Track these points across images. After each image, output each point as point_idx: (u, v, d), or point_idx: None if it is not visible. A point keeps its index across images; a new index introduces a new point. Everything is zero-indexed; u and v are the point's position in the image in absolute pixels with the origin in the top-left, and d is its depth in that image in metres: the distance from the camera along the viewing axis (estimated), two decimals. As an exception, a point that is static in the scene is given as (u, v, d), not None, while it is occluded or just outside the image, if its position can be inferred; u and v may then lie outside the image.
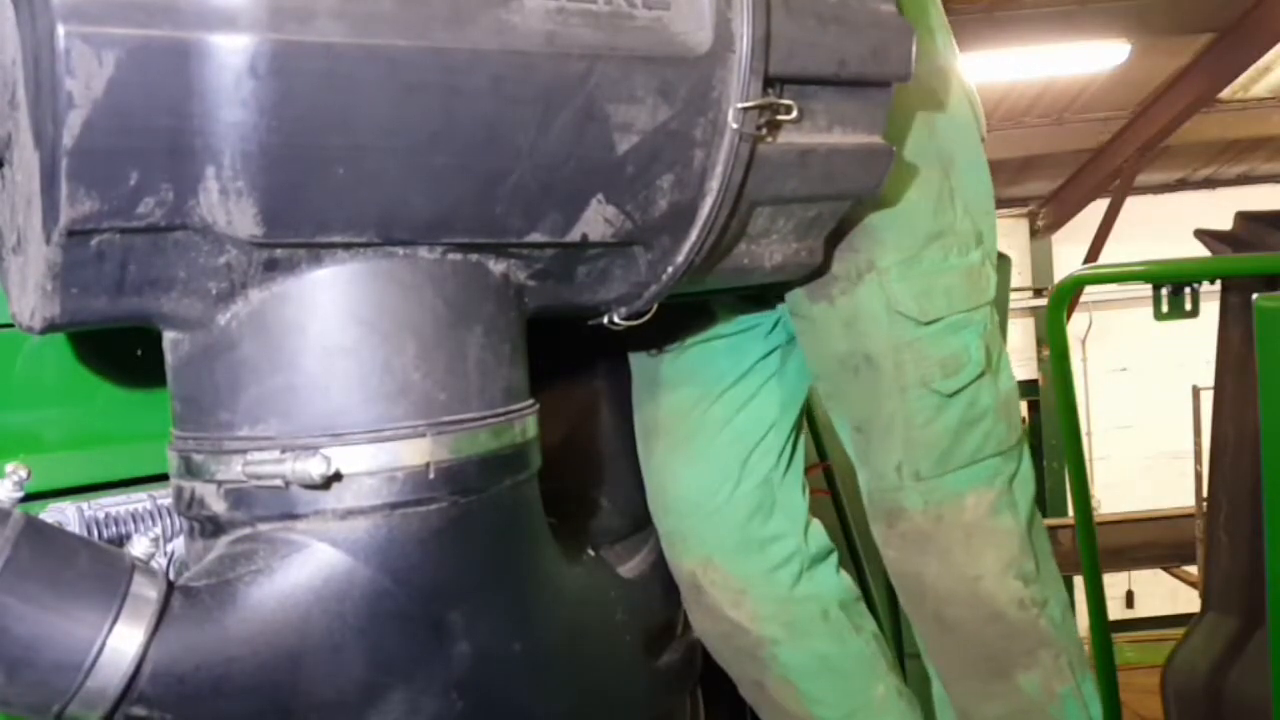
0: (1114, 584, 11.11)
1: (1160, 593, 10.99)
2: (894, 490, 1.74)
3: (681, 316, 1.78)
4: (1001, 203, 12.57)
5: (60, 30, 0.96)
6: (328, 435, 1.17)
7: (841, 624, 1.90)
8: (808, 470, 1.98)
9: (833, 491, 2.73)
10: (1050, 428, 11.69)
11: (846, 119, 1.46)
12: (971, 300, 1.73)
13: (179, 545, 1.37)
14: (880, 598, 2.54)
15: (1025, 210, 12.71)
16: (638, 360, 1.90)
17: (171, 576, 1.18)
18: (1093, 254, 10.75)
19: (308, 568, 1.18)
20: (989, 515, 1.74)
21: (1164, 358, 11.39)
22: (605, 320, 1.47)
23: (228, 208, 1.07)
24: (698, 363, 1.86)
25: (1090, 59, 8.60)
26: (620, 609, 1.70)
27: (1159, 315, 3.62)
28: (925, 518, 1.73)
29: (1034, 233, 12.73)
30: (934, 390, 1.70)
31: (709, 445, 1.85)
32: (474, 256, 1.25)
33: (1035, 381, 11.98)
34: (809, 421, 2.49)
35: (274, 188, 1.08)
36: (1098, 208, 11.14)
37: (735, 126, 1.31)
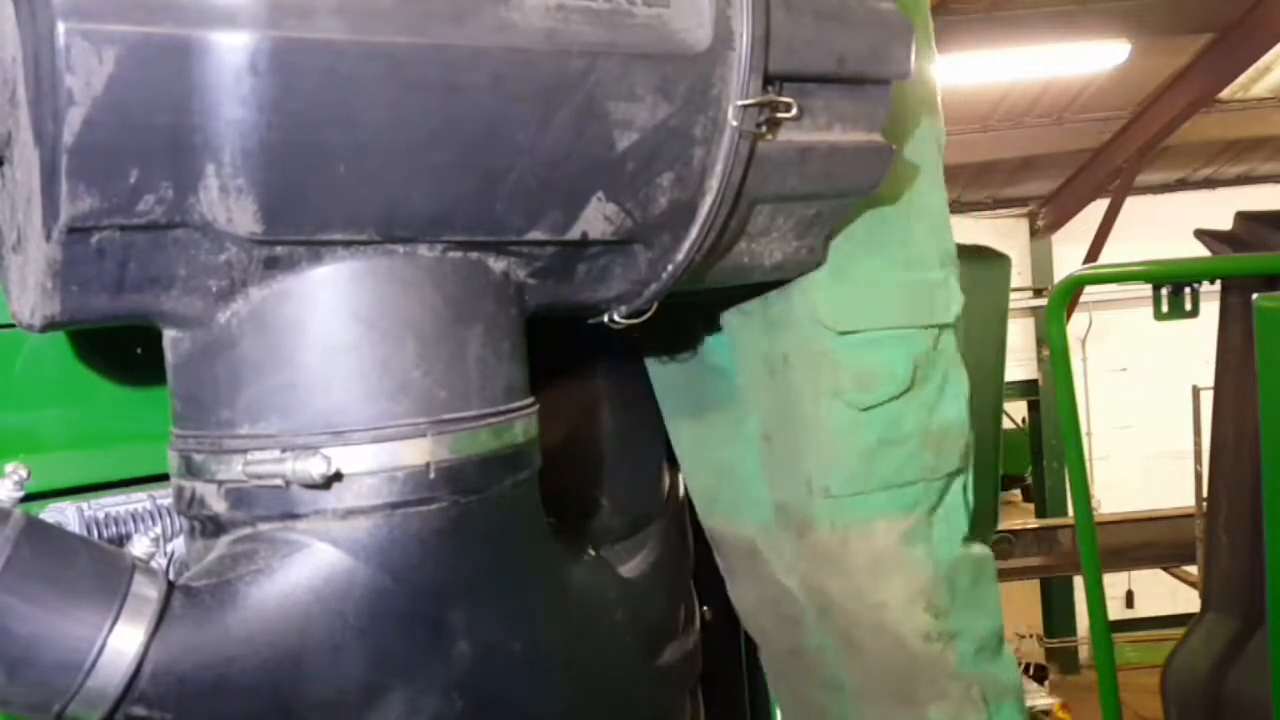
0: (1114, 584, 11.12)
1: (1160, 593, 11.01)
2: (803, 504, 1.71)
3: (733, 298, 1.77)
4: (1001, 203, 12.72)
5: (60, 27, 0.96)
6: (328, 433, 1.17)
7: None
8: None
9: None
10: (1050, 428, 11.71)
11: (846, 117, 1.46)
12: (908, 318, 1.69)
13: (179, 545, 1.37)
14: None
15: (1025, 210, 12.73)
16: (681, 342, 1.88)
17: (172, 576, 1.18)
18: (1093, 254, 10.77)
19: (308, 567, 1.18)
20: (900, 543, 1.70)
21: (1164, 358, 11.39)
22: (605, 319, 1.47)
23: (228, 205, 1.07)
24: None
25: (1090, 59, 8.61)
26: (620, 609, 1.69)
27: (1159, 315, 3.63)
28: (832, 537, 1.70)
29: (1034, 233, 12.75)
30: (846, 402, 1.66)
31: None
32: (474, 254, 1.25)
33: (1035, 381, 12.00)
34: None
35: (274, 185, 1.08)
36: (1098, 208, 11.15)
37: (735, 124, 1.31)
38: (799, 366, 1.67)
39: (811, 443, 1.69)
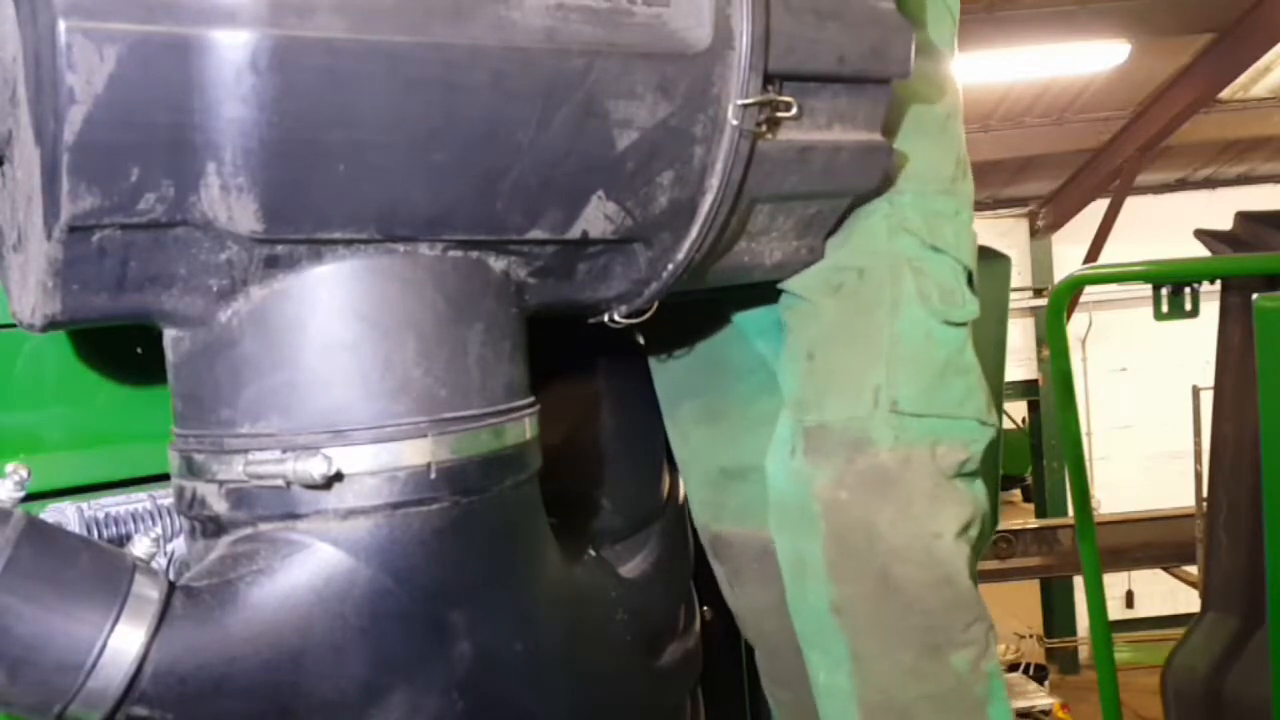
0: (1114, 584, 11.12)
1: (1160, 593, 11.01)
2: (863, 419, 1.61)
3: (745, 296, 1.74)
4: (1001, 203, 12.71)
5: (61, 26, 0.96)
6: (329, 433, 1.17)
7: None
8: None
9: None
10: (1050, 428, 11.70)
11: (846, 116, 1.47)
12: (973, 260, 1.69)
13: (180, 545, 1.37)
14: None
15: (1025, 210, 12.72)
16: (690, 341, 1.87)
17: (172, 576, 1.18)
18: (1093, 254, 10.76)
19: (309, 568, 1.18)
20: (955, 473, 1.65)
21: (1164, 358, 11.40)
22: (605, 318, 1.47)
23: (229, 204, 1.07)
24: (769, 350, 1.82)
25: (1090, 59, 8.61)
26: (620, 609, 1.69)
27: (1159, 315, 3.62)
28: (893, 457, 1.61)
29: (1034, 233, 12.74)
30: (930, 310, 1.63)
31: None
32: (474, 253, 1.25)
33: (1035, 381, 11.98)
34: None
35: (275, 183, 1.08)
36: (1098, 208, 11.15)
37: (735, 123, 1.31)
38: (877, 274, 1.63)
39: (882, 352, 1.62)
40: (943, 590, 1.64)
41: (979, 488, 1.71)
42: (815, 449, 1.64)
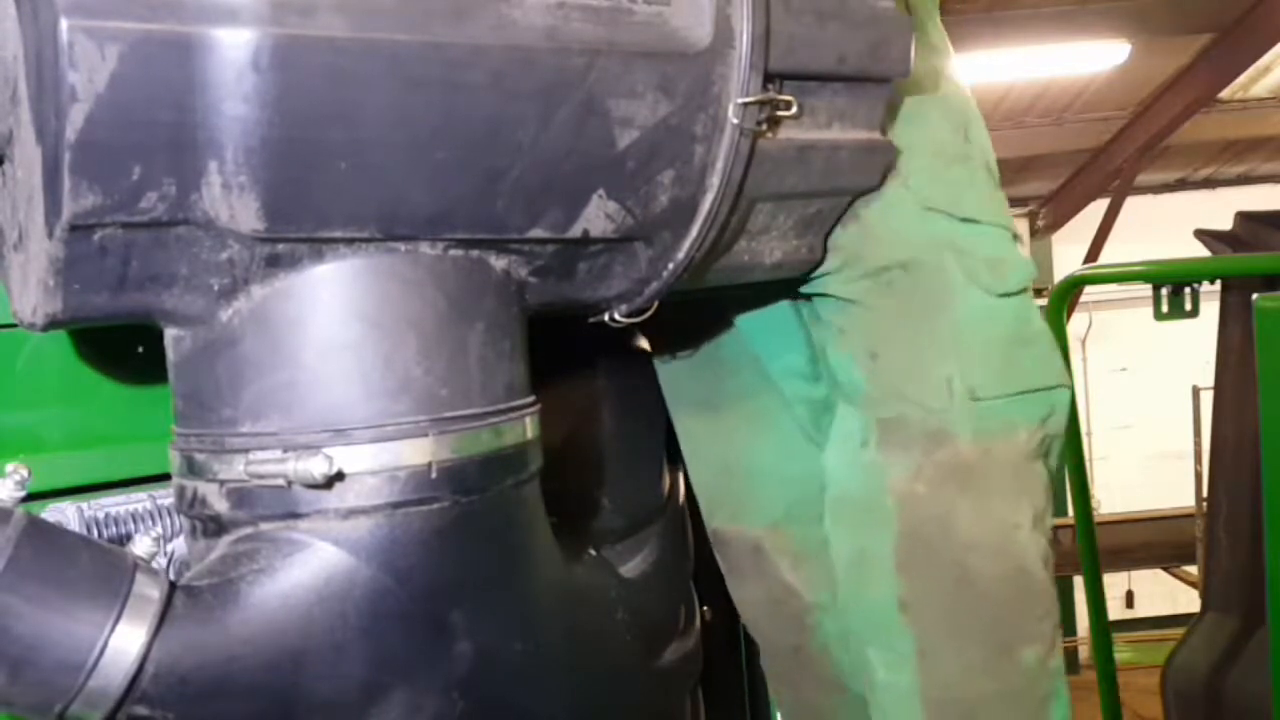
0: (1114, 584, 11.12)
1: (1160, 593, 11.01)
2: (940, 412, 1.58)
3: (742, 295, 1.72)
4: (1001, 203, 12.65)
5: (64, 24, 0.96)
6: (330, 432, 1.17)
7: None
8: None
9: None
10: (1050, 428, 11.69)
11: (846, 115, 1.47)
12: (1006, 220, 1.64)
13: (180, 545, 1.37)
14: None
15: (1025, 210, 12.73)
16: (689, 337, 1.87)
17: (173, 576, 1.18)
18: (1093, 254, 10.77)
19: (310, 567, 1.18)
20: (1033, 457, 1.63)
21: (1164, 358, 11.40)
22: (606, 318, 1.47)
23: (230, 202, 1.07)
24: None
25: (1090, 59, 8.62)
26: (620, 609, 1.69)
27: (1159, 315, 3.63)
28: (974, 448, 1.58)
29: (1034, 233, 12.75)
30: (983, 288, 1.59)
31: (786, 417, 1.81)
32: (475, 252, 1.25)
33: (1035, 382, 11.96)
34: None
35: (276, 182, 1.08)
36: (1098, 208, 11.16)
37: (735, 122, 1.31)
38: (923, 265, 1.59)
39: (950, 341, 1.59)
40: (1018, 580, 1.62)
41: (1053, 464, 1.68)
42: (890, 441, 1.62)
